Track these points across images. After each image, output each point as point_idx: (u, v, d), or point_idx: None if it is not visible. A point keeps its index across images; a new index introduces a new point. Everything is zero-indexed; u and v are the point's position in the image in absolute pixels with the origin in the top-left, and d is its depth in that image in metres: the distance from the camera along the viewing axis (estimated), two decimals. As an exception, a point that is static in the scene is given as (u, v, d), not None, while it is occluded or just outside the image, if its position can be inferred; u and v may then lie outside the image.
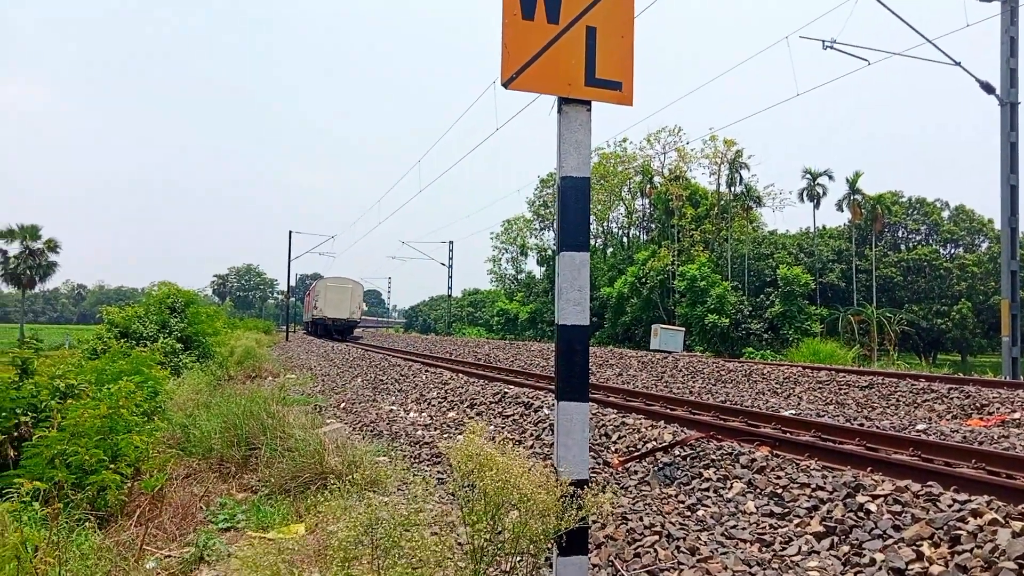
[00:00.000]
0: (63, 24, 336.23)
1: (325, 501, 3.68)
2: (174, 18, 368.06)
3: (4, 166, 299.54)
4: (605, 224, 71.67)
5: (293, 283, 64.98)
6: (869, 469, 6.33)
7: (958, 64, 19.74)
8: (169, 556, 5.41)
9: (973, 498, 4.99)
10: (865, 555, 4.57)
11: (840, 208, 59.42)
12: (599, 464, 7.53)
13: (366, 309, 65.91)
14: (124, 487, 6.09)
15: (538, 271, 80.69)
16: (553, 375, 15.73)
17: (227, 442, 8.41)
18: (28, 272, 69.63)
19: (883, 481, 5.61)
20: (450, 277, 70.54)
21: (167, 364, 15.11)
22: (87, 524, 5.28)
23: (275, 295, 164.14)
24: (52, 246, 70.58)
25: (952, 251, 65.83)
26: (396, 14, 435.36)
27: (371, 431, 10.71)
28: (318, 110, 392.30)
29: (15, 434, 6.02)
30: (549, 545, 3.53)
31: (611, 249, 70.48)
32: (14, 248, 69.24)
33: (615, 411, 10.01)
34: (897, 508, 5.03)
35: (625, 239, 72.10)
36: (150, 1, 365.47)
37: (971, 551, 4.22)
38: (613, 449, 8.04)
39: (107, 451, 5.91)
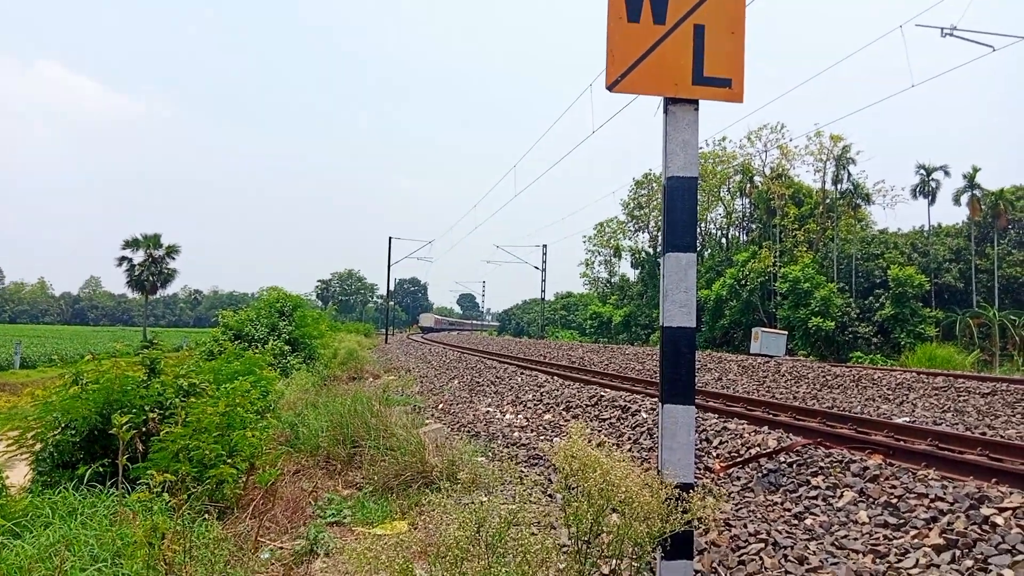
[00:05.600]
0: (187, 41, 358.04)
1: (430, 499, 3.76)
2: (286, 38, 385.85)
3: (130, 176, 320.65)
4: (703, 225, 69.96)
5: (392, 288, 74.27)
6: (994, 480, 5.95)
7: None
8: (282, 548, 5.67)
9: (1117, 515, 4.62)
10: (991, 570, 4.30)
11: (957, 202, 55.82)
12: (700, 470, 7.39)
13: (441, 320, 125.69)
14: (240, 481, 6.43)
15: (632, 274, 79.69)
16: (649, 379, 15.54)
17: (333, 440, 8.75)
18: (151, 279, 73.84)
19: (1011, 493, 5.26)
20: (543, 280, 70.82)
21: (276, 365, 15.79)
22: (207, 515, 5.58)
23: (375, 299, 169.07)
24: (172, 252, 74.57)
25: (1087, 249, 60.59)
26: (496, 20, 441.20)
27: (469, 432, 10.87)
28: (418, 117, 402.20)
29: (144, 429, 6.40)
30: (651, 548, 3.49)
31: (709, 250, 68.80)
32: (138, 256, 73.55)
33: (716, 416, 9.80)
34: (1028, 523, 4.71)
35: (724, 240, 70.25)
36: (262, 21, 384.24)
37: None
38: (715, 454, 7.87)
39: (225, 447, 6.23)
